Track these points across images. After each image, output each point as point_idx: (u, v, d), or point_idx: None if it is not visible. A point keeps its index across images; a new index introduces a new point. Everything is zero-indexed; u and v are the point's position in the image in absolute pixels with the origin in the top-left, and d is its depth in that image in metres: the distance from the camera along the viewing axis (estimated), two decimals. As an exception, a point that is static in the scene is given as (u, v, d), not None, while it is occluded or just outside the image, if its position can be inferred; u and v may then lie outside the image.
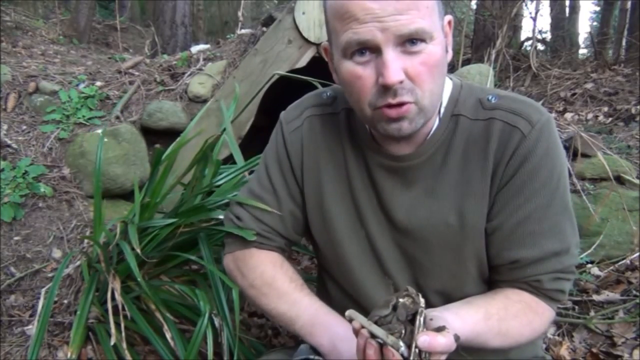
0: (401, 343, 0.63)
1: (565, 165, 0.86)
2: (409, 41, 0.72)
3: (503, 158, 0.82)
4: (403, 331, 0.66)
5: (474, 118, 0.85)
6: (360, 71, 0.75)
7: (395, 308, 0.68)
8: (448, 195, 0.85)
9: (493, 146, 0.82)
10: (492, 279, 0.90)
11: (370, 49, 0.74)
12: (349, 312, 0.71)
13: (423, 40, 0.73)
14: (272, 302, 0.94)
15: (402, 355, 0.63)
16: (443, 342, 0.64)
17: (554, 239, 0.82)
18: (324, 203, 0.94)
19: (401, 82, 0.73)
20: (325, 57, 0.88)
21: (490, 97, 0.85)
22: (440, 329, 0.67)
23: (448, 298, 0.89)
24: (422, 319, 0.66)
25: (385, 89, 0.74)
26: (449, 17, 0.80)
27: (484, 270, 0.89)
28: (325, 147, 0.94)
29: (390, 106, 0.75)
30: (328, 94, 0.99)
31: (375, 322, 0.67)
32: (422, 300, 0.68)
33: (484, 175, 0.83)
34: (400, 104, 0.75)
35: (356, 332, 0.68)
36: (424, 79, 0.75)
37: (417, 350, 0.64)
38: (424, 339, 0.64)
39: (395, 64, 0.72)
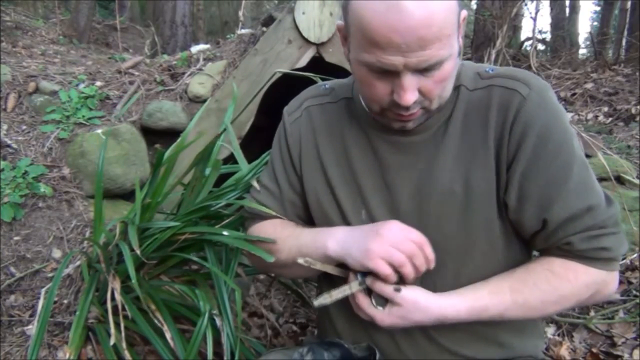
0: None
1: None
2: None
3: (505, 123, 0.82)
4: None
5: (473, 88, 0.86)
6: (375, 82, 0.78)
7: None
8: (451, 163, 0.86)
9: (493, 111, 0.83)
10: (529, 253, 0.91)
11: (388, 71, 0.75)
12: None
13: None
14: (280, 248, 0.99)
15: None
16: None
17: (584, 196, 0.80)
18: (331, 187, 0.95)
19: (415, 102, 0.77)
20: (338, 35, 0.88)
21: (487, 69, 0.88)
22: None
23: (456, 273, 0.88)
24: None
25: (398, 105, 0.77)
26: (464, 14, 0.80)
27: (495, 246, 0.87)
28: (324, 135, 0.97)
29: (400, 115, 0.80)
30: (327, 85, 1.03)
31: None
32: None
33: (486, 141, 0.84)
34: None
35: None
36: (434, 93, 0.78)
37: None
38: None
39: (411, 88, 0.75)
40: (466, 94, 0.87)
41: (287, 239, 0.98)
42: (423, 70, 0.74)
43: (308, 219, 1.03)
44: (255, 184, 1.08)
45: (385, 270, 0.79)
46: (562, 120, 0.82)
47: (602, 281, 0.84)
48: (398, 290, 0.81)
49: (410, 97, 0.75)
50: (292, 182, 1.01)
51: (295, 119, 1.00)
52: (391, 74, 0.75)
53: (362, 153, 0.93)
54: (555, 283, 0.83)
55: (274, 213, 1.03)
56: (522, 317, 0.85)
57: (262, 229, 1.04)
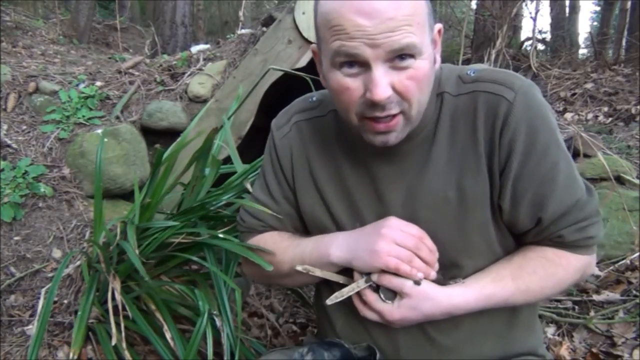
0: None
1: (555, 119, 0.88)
2: (398, 57, 0.73)
3: (494, 130, 0.83)
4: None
5: (456, 94, 0.86)
6: (348, 83, 0.76)
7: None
8: (443, 169, 0.86)
9: (481, 118, 0.84)
10: (520, 243, 0.92)
11: (358, 63, 0.75)
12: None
13: (412, 56, 0.74)
14: (281, 259, 0.98)
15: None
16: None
17: (571, 190, 0.84)
18: (325, 203, 0.95)
19: (388, 97, 0.74)
20: (315, 59, 0.88)
21: (469, 72, 0.88)
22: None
23: (457, 274, 0.89)
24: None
25: (373, 104, 0.75)
26: (438, 26, 0.81)
27: (492, 246, 0.89)
28: (314, 150, 0.97)
29: (378, 120, 0.77)
30: (314, 98, 1.02)
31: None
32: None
33: (476, 147, 0.84)
34: (389, 117, 0.77)
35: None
36: (411, 93, 0.76)
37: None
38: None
39: (384, 81, 0.73)
40: (451, 100, 0.86)
41: (287, 249, 0.98)
42: (394, 60, 0.73)
43: (304, 230, 1.03)
44: (248, 186, 1.08)
45: (401, 266, 0.81)
46: (547, 117, 0.84)
47: (588, 263, 0.92)
48: (418, 283, 0.82)
49: (382, 90, 0.73)
50: (286, 195, 1.01)
51: (285, 134, 0.99)
52: (363, 70, 0.75)
53: (353, 167, 0.93)
54: (551, 269, 0.87)
55: (271, 220, 1.02)
56: (524, 302, 0.88)
57: (260, 242, 1.04)
